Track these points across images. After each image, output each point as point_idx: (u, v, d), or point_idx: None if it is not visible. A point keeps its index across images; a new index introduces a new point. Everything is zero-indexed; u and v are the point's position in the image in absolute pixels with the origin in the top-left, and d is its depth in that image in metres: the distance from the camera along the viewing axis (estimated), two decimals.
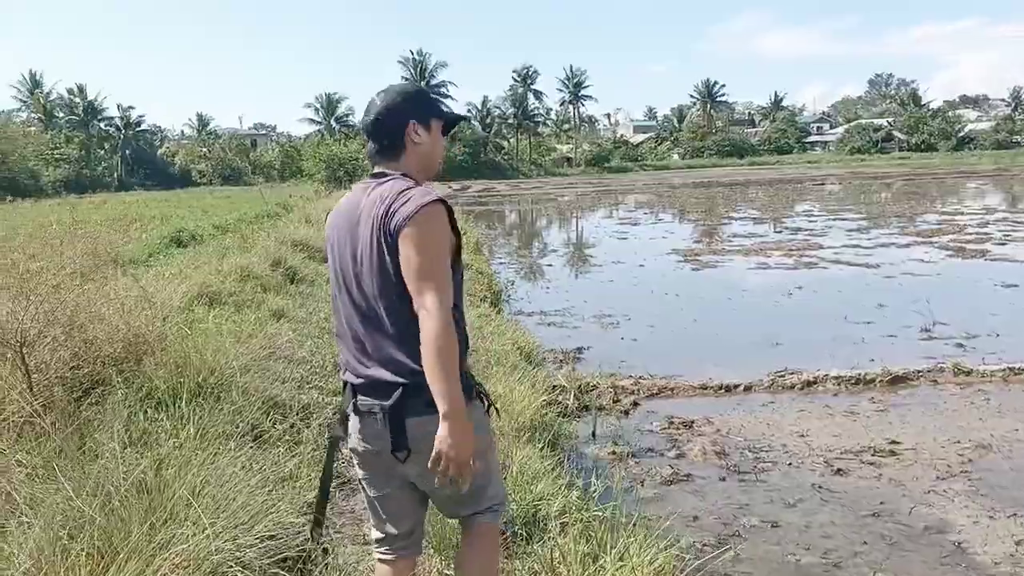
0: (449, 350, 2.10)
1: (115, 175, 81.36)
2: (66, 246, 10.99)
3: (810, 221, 23.04)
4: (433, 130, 2.41)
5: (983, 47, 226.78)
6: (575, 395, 6.54)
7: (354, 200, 2.35)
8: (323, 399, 5.42)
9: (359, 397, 2.31)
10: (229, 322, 7.17)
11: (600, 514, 3.54)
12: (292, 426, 4.77)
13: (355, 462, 2.46)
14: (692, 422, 6.06)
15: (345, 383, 2.39)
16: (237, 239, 16.47)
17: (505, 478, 3.83)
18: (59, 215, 30.83)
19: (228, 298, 8.44)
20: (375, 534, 2.50)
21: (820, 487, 4.87)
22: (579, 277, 14.39)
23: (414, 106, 2.37)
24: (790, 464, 5.25)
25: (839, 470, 5.11)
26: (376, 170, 2.38)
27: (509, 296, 12.01)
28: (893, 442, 5.54)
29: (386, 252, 2.20)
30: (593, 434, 5.89)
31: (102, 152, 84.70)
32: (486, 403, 2.40)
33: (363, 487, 2.47)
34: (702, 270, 14.49)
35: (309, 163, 52.16)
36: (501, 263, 16.27)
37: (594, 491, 3.95)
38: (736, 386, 6.96)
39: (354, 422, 2.35)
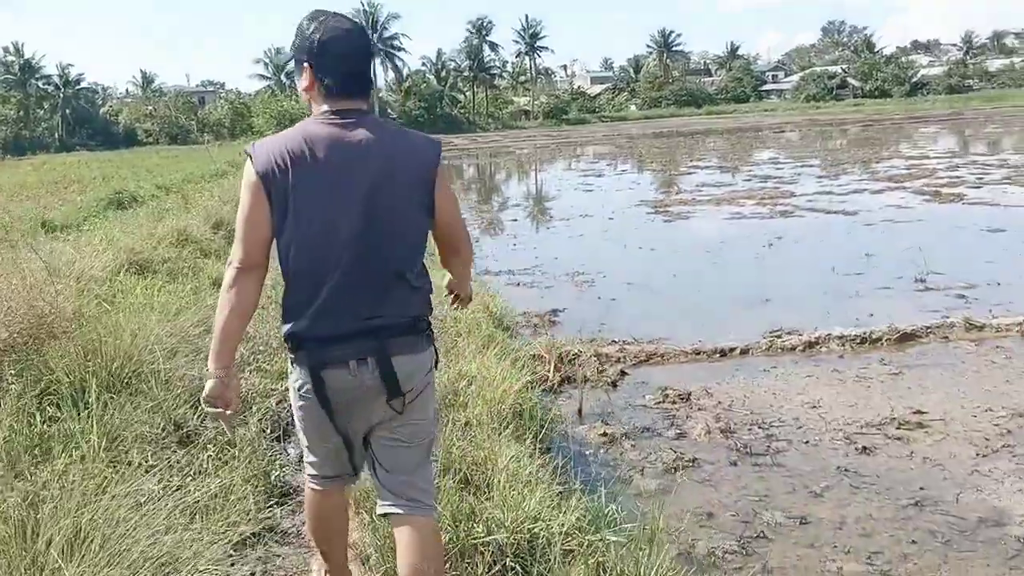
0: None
1: (56, 135, 78.30)
2: None
3: (777, 169, 22.47)
4: None
5: None
6: (555, 366, 5.82)
7: (328, 135, 2.09)
8: (266, 385, 4.62)
9: (330, 348, 2.13)
10: (160, 294, 6.31)
11: (613, 538, 2.82)
12: None
13: (300, 411, 2.29)
14: (689, 394, 5.37)
15: (303, 339, 2.15)
16: (179, 200, 15.41)
17: (490, 487, 3.11)
18: None
19: (161, 266, 7.56)
20: (311, 469, 2.42)
21: (847, 470, 4.21)
22: (546, 232, 13.61)
23: None
24: (807, 442, 4.59)
25: (864, 448, 4.45)
26: (346, 105, 2.13)
27: (473, 255, 11.22)
28: (918, 412, 4.90)
29: (414, 192, 2.16)
30: (580, 412, 5.18)
31: (41, 112, 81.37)
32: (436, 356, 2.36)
33: (302, 435, 2.36)
34: (674, 221, 13.81)
35: (260, 119, 50.85)
36: (463, 218, 15.42)
37: (600, 501, 3.25)
38: (731, 350, 6.29)
39: (304, 373, 2.18)
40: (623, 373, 5.91)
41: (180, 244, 8.60)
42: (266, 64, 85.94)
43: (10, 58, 79.88)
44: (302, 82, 2.18)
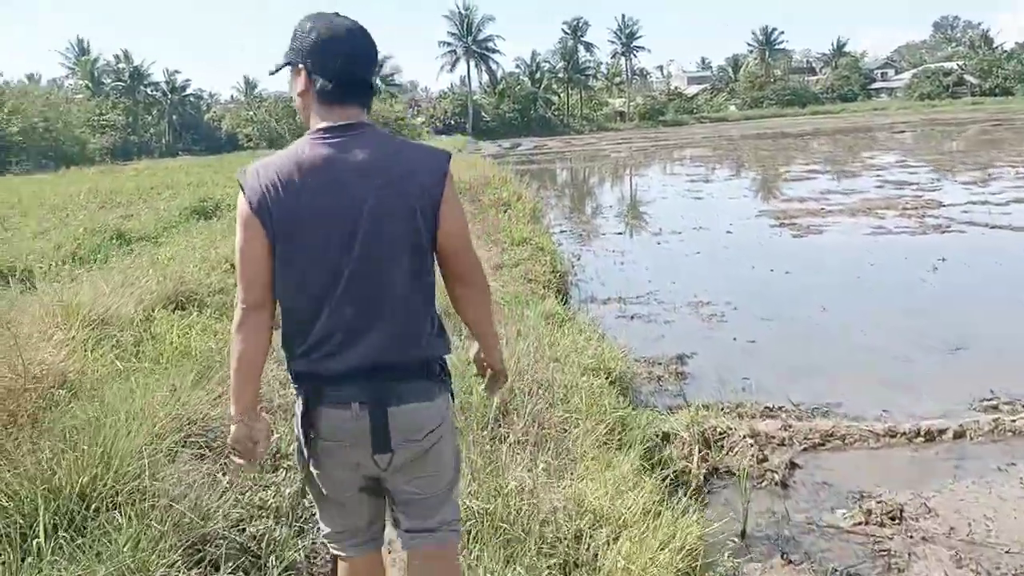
0: (491, 307, 2.18)
1: (162, 141, 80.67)
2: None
3: (910, 173, 20.20)
4: None
5: None
6: (699, 448, 4.32)
7: (322, 156, 1.86)
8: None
9: (330, 388, 1.93)
10: (198, 338, 5.08)
11: None
12: None
13: (308, 456, 2.01)
14: (901, 509, 3.77)
15: (307, 375, 1.95)
16: None
17: None
18: (94, 183, 29.54)
19: (211, 297, 6.37)
20: (325, 528, 2.18)
21: None
22: (657, 248, 12.02)
23: None
24: None
25: None
26: (338, 120, 1.89)
27: (576, 276, 9.75)
28: None
29: (418, 211, 1.89)
30: (743, 533, 3.66)
31: (149, 118, 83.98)
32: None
33: (314, 482, 2.08)
34: (805, 236, 12.02)
35: None
36: (561, 231, 13.96)
37: None
38: (941, 432, 4.63)
39: (320, 414, 1.95)
40: (794, 465, 4.34)
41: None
42: None
43: (120, 65, 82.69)
44: (296, 87, 1.96)
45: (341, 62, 1.88)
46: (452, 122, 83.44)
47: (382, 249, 1.88)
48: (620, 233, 13.71)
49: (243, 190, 1.87)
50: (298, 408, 1.98)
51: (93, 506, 2.76)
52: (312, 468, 2.03)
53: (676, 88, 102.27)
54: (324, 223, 1.85)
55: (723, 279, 9.44)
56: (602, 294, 8.96)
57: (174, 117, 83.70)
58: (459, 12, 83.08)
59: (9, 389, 3.29)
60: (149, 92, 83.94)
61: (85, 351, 4.30)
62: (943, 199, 14.76)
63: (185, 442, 3.30)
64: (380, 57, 2.24)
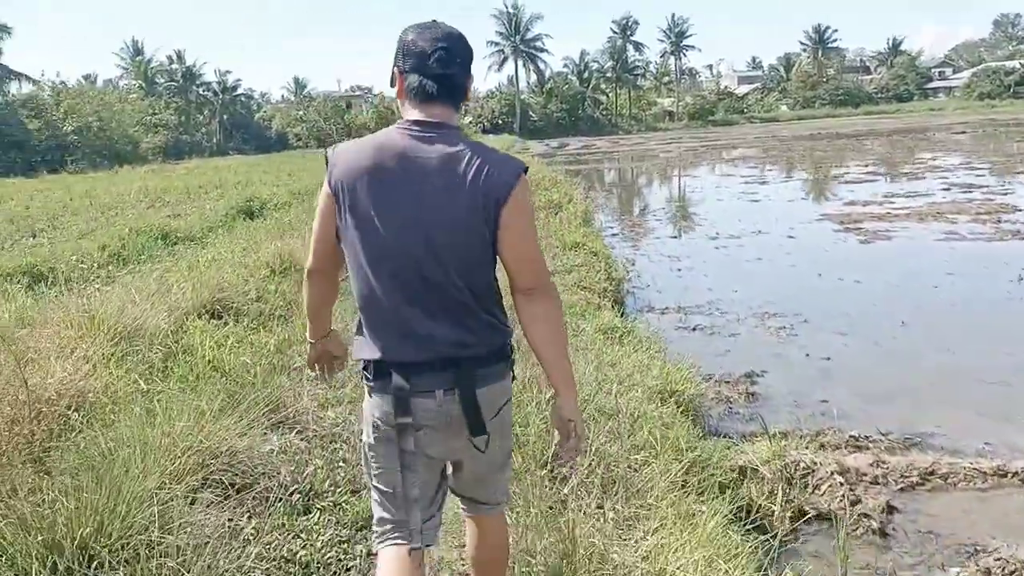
0: (565, 329, 2.14)
1: (213, 140, 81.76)
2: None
3: (976, 176, 19.30)
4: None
5: None
6: (782, 488, 3.83)
7: (402, 147, 1.93)
8: None
9: (401, 377, 1.97)
10: (233, 353, 4.73)
11: None
12: None
13: (374, 443, 2.09)
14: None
15: (378, 362, 2.00)
16: (305, 211, 14.18)
17: None
18: (145, 182, 29.79)
19: (250, 305, 6.03)
20: (384, 516, 2.13)
21: None
22: (716, 253, 11.46)
23: (473, 58, 2.06)
24: None
25: None
26: (426, 117, 1.95)
27: (631, 283, 9.26)
28: None
29: (481, 216, 1.91)
30: None
31: (201, 118, 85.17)
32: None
33: (375, 480, 2.14)
34: (873, 242, 11.36)
35: None
36: (613, 235, 13.46)
37: None
38: None
39: (386, 402, 2.01)
40: (891, 508, 3.84)
41: (282, 272, 7.13)
42: None
43: (173, 66, 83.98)
44: (395, 90, 2.05)
45: (426, 61, 1.94)
46: (499, 122, 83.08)
47: (448, 248, 1.93)
48: (675, 237, 13.16)
49: (328, 168, 1.98)
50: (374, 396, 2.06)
51: (96, 562, 2.39)
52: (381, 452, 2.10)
53: (726, 87, 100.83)
54: (382, 215, 1.92)
55: (789, 288, 8.90)
56: (659, 303, 8.47)
57: (225, 117, 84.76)
58: (507, 11, 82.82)
59: (12, 420, 2.94)
60: (201, 92, 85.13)
61: (108, 368, 3.97)
62: (1018, 203, 13.95)
63: (205, 481, 2.92)
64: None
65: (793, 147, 38.98)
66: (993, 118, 58.10)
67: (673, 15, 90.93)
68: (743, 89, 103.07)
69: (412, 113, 1.96)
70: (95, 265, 9.50)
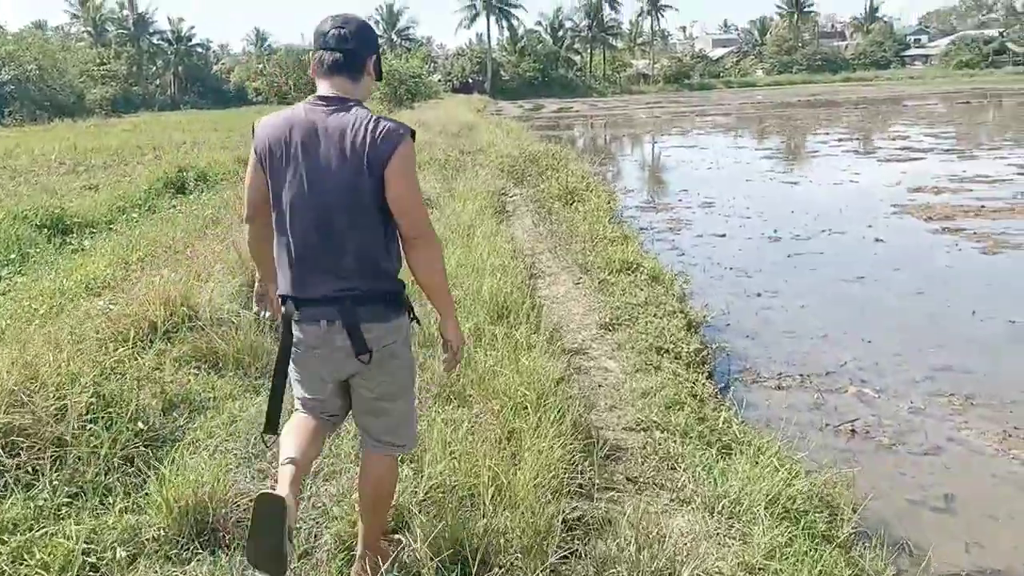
0: (443, 269, 2.52)
1: (167, 93, 77.07)
2: None
3: None
4: (373, 68, 2.50)
5: None
6: None
7: (307, 120, 2.34)
8: None
9: (305, 308, 2.40)
10: None
11: None
12: None
13: (293, 366, 2.54)
14: None
15: (287, 297, 2.44)
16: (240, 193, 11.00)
17: None
18: (76, 140, 26.12)
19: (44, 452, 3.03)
20: (300, 394, 2.58)
21: None
22: (792, 267, 8.61)
23: (375, 43, 2.50)
24: None
25: None
26: (327, 90, 2.38)
27: (710, 325, 6.34)
28: None
29: (366, 177, 2.28)
30: None
31: (154, 69, 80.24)
32: (413, 317, 2.53)
33: (296, 386, 2.58)
34: (1003, 253, 8.58)
35: None
36: (641, 229, 10.43)
37: None
38: None
39: (297, 328, 2.44)
40: None
41: (173, 331, 4.14)
42: (377, 21, 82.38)
43: (124, 12, 78.72)
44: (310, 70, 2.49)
45: (323, 41, 2.38)
46: (470, 80, 79.42)
47: (342, 203, 2.31)
48: (721, 235, 10.22)
49: (253, 135, 2.44)
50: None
51: None
52: (295, 371, 2.58)
53: (701, 50, 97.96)
54: (291, 176, 2.33)
55: (944, 337, 6.09)
56: (761, 361, 5.62)
57: (180, 68, 79.96)
58: None
59: None
60: (154, 41, 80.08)
61: None
62: None
63: None
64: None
65: (791, 114, 36.32)
66: (981, 87, 56.04)
67: None
68: (717, 52, 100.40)
69: (320, 87, 2.38)
70: None
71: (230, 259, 5.17)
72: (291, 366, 2.50)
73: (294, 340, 2.44)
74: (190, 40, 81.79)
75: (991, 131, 24.43)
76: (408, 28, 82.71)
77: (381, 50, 2.50)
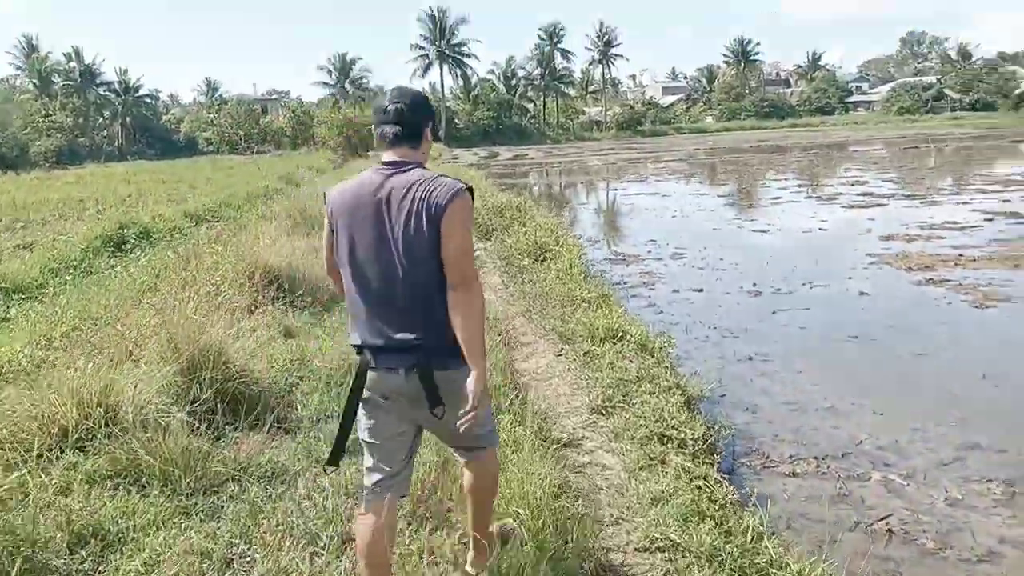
0: (483, 317, 2.57)
1: (115, 144, 75.59)
2: None
3: (1002, 202, 16.56)
4: (431, 133, 2.72)
5: (1009, 4, 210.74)
6: None
7: (373, 182, 2.56)
8: None
9: (380, 356, 2.57)
10: None
11: None
12: None
13: (363, 413, 2.68)
14: None
15: (361, 346, 2.61)
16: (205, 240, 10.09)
17: None
18: (15, 194, 24.94)
19: None
20: (370, 479, 2.69)
21: None
22: (779, 323, 8.12)
23: (430, 109, 2.71)
24: None
25: None
26: (391, 157, 2.61)
27: (706, 399, 5.74)
28: None
29: (425, 231, 2.46)
30: None
31: (101, 120, 78.78)
32: None
33: (365, 435, 2.69)
34: (996, 307, 8.17)
35: (322, 129, 46.30)
36: (615, 284, 9.89)
37: None
38: None
39: (371, 376, 2.62)
40: None
41: (91, 432, 3.37)
42: (329, 71, 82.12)
43: (71, 64, 77.34)
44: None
45: (383, 115, 2.63)
46: None
47: (403, 258, 2.51)
48: (698, 290, 9.70)
49: (325, 199, 2.69)
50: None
51: None
52: (366, 420, 2.73)
53: (651, 98, 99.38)
54: (359, 233, 2.56)
55: (959, 405, 5.56)
56: (772, 446, 5.01)
57: (127, 119, 78.61)
58: (432, 14, 79.03)
59: None
60: (101, 92, 78.70)
61: None
62: None
63: None
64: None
65: (745, 160, 36.57)
66: (923, 132, 57.40)
67: (601, 23, 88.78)
68: (667, 100, 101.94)
69: (384, 156, 2.63)
70: None
71: (162, 339, 4.44)
72: (364, 431, 2.67)
73: (367, 392, 2.62)
74: (138, 91, 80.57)
75: (942, 175, 24.59)
76: (362, 77, 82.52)
77: (404, 108, 2.61)
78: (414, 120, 2.60)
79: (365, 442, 2.68)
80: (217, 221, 15.91)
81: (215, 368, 4.28)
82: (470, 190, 2.51)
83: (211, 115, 79.52)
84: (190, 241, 11.32)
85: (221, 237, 10.22)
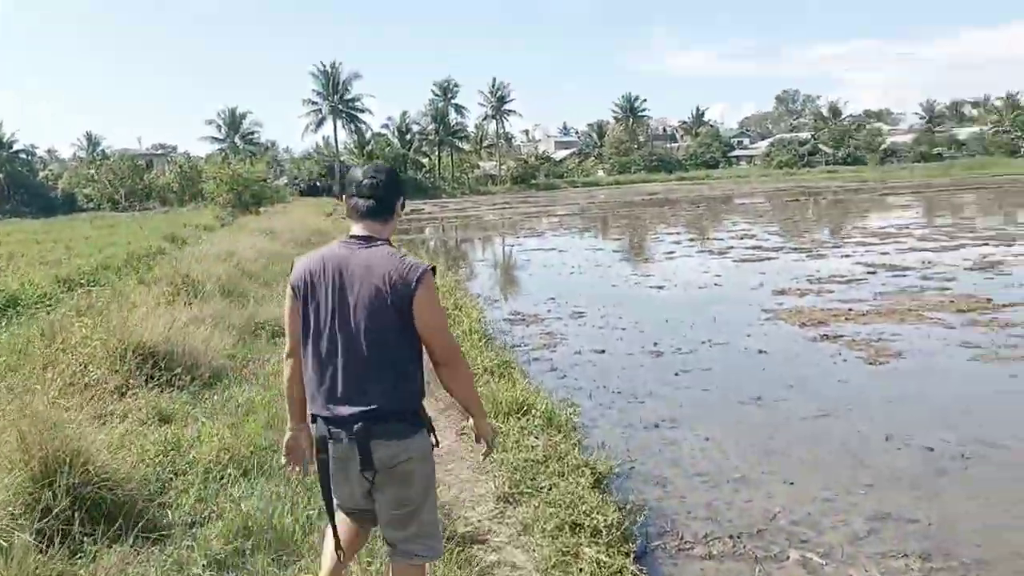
0: (473, 383, 2.91)
1: None
2: None
3: (881, 254, 17.29)
4: (399, 208, 2.85)
5: (877, 65, 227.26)
6: None
7: (339, 255, 2.67)
8: None
9: (332, 427, 2.66)
10: None
11: None
12: None
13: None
14: None
15: (315, 416, 2.72)
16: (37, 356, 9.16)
17: None
18: None
19: None
20: (339, 503, 2.83)
21: None
22: (680, 386, 8.03)
23: (401, 185, 2.85)
24: None
25: None
26: (360, 232, 2.72)
27: (614, 466, 5.49)
28: None
29: (391, 307, 2.58)
30: None
31: None
32: (431, 433, 2.77)
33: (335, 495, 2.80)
34: (889, 363, 8.28)
35: (211, 184, 44.74)
36: (515, 346, 9.64)
37: None
38: None
39: (330, 446, 2.70)
40: None
41: None
42: (219, 126, 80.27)
43: None
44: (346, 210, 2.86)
45: (355, 189, 2.74)
46: (317, 183, 78.32)
47: (367, 330, 2.60)
48: (601, 351, 9.46)
49: (291, 271, 2.77)
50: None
51: None
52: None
53: (544, 152, 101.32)
54: (324, 306, 2.65)
55: (867, 471, 5.50)
56: (686, 524, 4.79)
57: (1, 176, 74.61)
58: (325, 70, 78.65)
59: None
60: None
61: None
62: (990, 295, 11.54)
63: None
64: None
65: (636, 213, 37.44)
66: (801, 185, 60.23)
67: (495, 79, 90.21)
68: (560, 154, 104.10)
69: (353, 228, 2.73)
70: None
71: (11, 444, 3.89)
72: (330, 479, 2.72)
73: (329, 456, 2.68)
74: (11, 147, 76.77)
75: (822, 227, 25.68)
76: (252, 132, 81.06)
77: (378, 184, 2.72)
78: (388, 196, 2.73)
79: (335, 494, 2.79)
80: (93, 286, 14.88)
81: (72, 472, 3.77)
82: (433, 269, 2.64)
83: (91, 170, 76.29)
84: (60, 311, 10.45)
85: (92, 308, 9.44)
